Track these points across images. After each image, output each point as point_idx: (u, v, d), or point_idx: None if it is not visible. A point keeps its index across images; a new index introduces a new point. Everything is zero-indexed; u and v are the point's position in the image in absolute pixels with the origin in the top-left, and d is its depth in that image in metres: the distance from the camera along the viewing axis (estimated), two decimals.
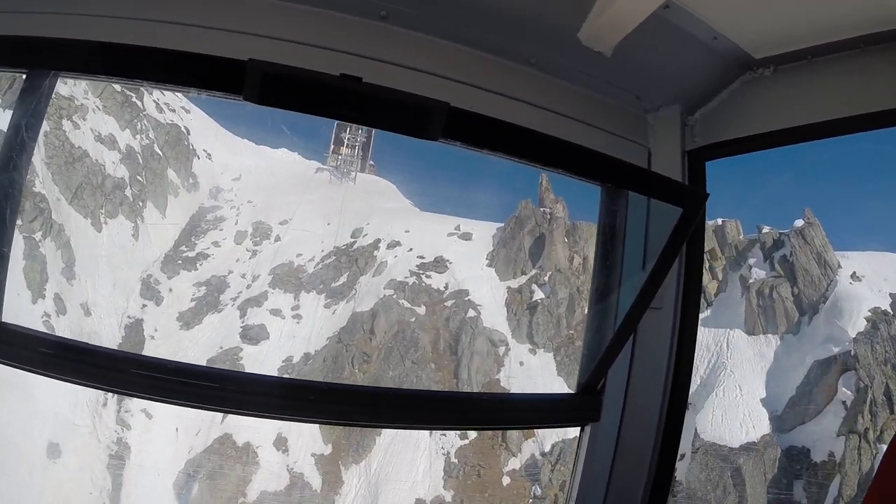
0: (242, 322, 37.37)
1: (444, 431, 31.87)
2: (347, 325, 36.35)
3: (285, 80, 1.24)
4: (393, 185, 52.27)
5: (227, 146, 49.65)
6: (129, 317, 35.73)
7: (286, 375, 32.20)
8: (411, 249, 41.09)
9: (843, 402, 28.33)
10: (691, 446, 28.43)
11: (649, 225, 1.90)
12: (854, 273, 32.87)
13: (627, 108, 1.99)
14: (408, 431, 31.06)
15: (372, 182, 50.56)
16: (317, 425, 29.37)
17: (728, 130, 1.98)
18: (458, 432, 30.59)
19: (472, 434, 31.75)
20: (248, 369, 32.72)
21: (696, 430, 29.04)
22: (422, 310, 37.51)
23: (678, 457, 2.03)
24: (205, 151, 47.64)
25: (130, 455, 30.38)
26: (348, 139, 48.12)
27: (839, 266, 33.53)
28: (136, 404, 31.11)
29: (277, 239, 42.96)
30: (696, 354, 2.05)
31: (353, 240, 42.58)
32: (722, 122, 1.98)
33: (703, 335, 32.66)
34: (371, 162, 50.99)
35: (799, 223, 35.09)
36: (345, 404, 1.70)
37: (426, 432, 31.24)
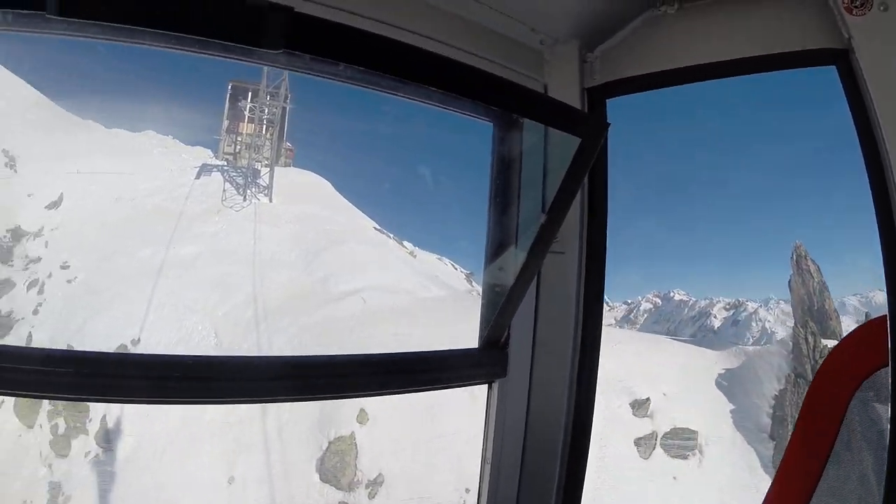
0: None
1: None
2: None
3: None
4: (339, 193, 26.25)
5: (51, 139, 24.20)
6: None
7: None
8: None
9: None
10: None
11: (548, 163, 1.77)
12: None
13: (522, 40, 1.86)
14: None
15: (301, 187, 25.63)
16: None
17: (630, 68, 1.91)
18: None
19: None
20: None
21: None
22: None
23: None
24: (5, 154, 23.18)
25: None
26: (251, 110, 25.55)
27: None
28: None
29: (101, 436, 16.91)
30: None
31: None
32: (623, 60, 1.91)
33: None
34: (288, 144, 27.96)
35: None
36: (202, 380, 1.46)
37: None
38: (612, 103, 1.98)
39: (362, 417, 16.78)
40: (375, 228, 25.17)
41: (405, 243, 25.57)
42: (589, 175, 1.89)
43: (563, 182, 1.55)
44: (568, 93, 1.88)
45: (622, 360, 19.50)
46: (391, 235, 25.25)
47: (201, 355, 1.54)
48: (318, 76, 1.56)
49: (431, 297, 20.57)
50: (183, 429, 16.59)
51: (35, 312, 19.51)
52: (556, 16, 1.83)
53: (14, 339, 18.52)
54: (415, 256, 25.14)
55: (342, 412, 16.75)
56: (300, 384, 1.60)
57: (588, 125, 1.54)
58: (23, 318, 19.34)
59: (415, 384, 1.82)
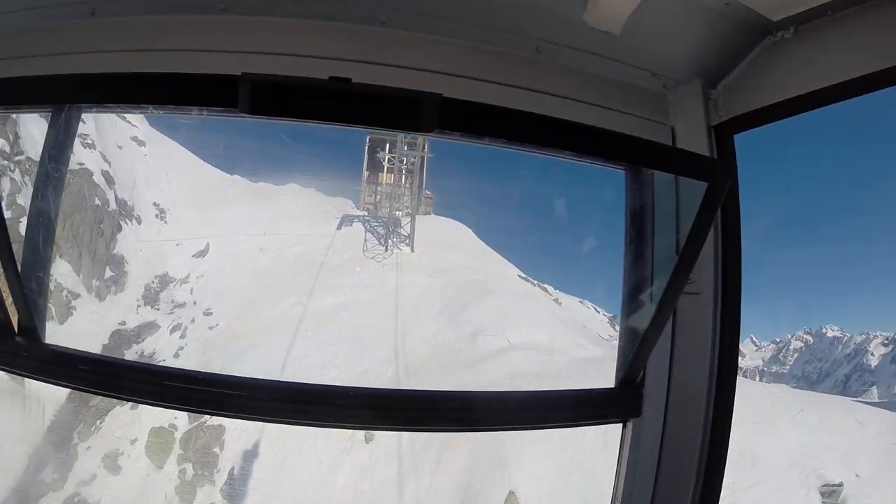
0: None
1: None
2: None
3: (275, 87, 1.29)
4: (480, 239, 25.10)
5: (200, 193, 25.35)
6: None
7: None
8: None
9: None
10: None
11: (679, 206, 1.81)
12: None
13: (645, 86, 1.93)
14: None
15: (443, 235, 24.29)
16: None
17: (754, 100, 1.87)
18: None
19: None
20: None
21: None
22: None
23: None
24: (155, 207, 24.22)
25: None
26: (389, 160, 25.47)
27: None
28: None
29: None
30: None
31: None
32: (746, 93, 1.88)
33: None
34: (427, 193, 27.24)
35: None
36: (368, 409, 1.69)
37: None
38: (746, 134, 1.94)
39: (512, 502, 15.25)
40: (520, 276, 23.68)
41: (549, 288, 24.14)
42: (721, 214, 1.88)
43: (693, 225, 1.58)
44: (695, 133, 1.91)
45: (805, 433, 16.56)
46: (535, 282, 23.96)
47: (338, 385, 1.78)
48: (465, 144, 1.83)
49: (587, 356, 18.44)
50: (312, 492, 16.27)
51: (176, 356, 19.80)
52: (675, 58, 1.88)
53: None
54: (560, 304, 23.47)
55: (489, 494, 15.36)
56: (441, 416, 1.76)
57: (715, 170, 1.57)
58: (164, 360, 19.68)
59: (550, 420, 1.90)
